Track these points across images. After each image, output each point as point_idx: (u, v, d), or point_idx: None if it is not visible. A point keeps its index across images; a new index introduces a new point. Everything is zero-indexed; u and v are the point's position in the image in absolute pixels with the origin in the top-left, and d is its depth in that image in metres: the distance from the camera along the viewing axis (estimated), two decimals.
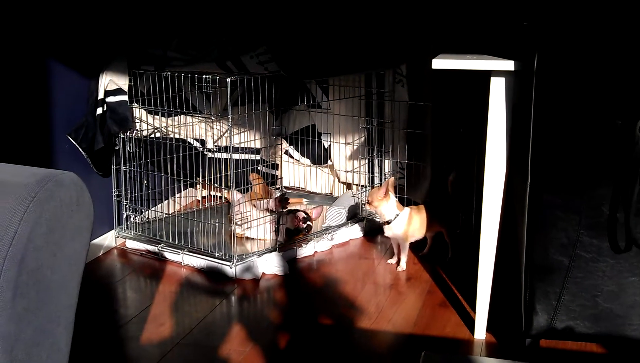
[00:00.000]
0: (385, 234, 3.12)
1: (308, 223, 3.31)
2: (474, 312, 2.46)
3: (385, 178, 3.69)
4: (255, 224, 3.22)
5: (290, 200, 3.63)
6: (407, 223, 3.06)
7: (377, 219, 3.37)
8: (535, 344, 2.33)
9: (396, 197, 3.12)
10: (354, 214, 3.56)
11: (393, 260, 3.15)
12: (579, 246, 2.10)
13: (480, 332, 2.45)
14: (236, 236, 3.14)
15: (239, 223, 3.24)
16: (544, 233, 2.12)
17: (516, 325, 2.39)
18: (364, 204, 3.13)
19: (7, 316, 1.11)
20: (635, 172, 1.98)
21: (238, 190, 3.27)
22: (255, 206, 3.25)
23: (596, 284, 2.12)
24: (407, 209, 3.10)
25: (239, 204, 3.27)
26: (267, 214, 3.23)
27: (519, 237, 2.39)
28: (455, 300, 2.77)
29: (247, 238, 3.27)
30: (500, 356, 2.31)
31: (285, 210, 3.29)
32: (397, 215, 3.04)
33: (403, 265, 3.08)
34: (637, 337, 2.15)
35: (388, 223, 3.06)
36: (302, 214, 3.30)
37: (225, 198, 3.73)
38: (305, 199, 3.89)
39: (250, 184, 3.40)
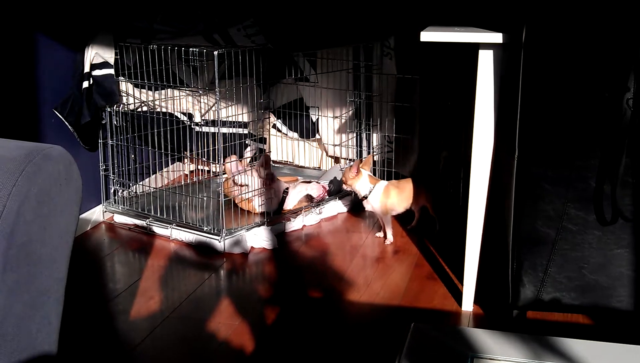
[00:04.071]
0: (366, 209, 3.15)
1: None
2: (462, 284, 2.48)
3: (372, 152, 3.69)
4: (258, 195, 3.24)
5: (285, 179, 3.62)
6: (383, 196, 3.08)
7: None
8: (522, 316, 2.35)
9: (372, 171, 3.17)
10: (341, 188, 3.57)
11: (380, 234, 3.16)
12: (566, 219, 2.12)
13: (468, 304, 2.47)
14: (241, 209, 3.19)
15: (239, 194, 3.24)
16: (531, 206, 2.13)
17: (503, 297, 2.41)
18: (343, 184, 3.16)
19: None
20: (622, 144, 1.99)
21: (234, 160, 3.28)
22: (260, 176, 3.26)
23: (583, 256, 2.14)
24: (383, 182, 3.13)
25: (239, 174, 3.25)
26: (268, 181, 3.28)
27: (507, 210, 2.40)
28: (443, 273, 2.79)
29: (255, 212, 3.26)
30: (487, 327, 2.33)
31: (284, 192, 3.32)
32: (371, 189, 3.07)
33: (390, 237, 3.09)
34: (623, 308, 2.17)
35: (365, 198, 3.08)
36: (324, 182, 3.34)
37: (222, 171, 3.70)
38: (299, 176, 3.86)
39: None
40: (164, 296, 2.60)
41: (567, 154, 2.07)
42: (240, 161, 3.32)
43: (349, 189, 3.17)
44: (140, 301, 2.56)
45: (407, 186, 3.13)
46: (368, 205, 3.11)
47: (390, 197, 3.08)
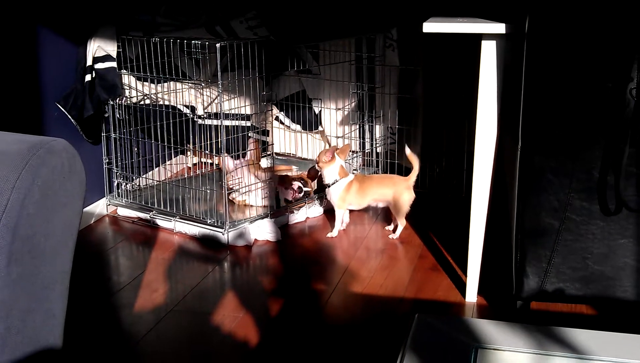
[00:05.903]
0: (326, 196, 3.17)
1: (305, 189, 3.31)
2: (465, 275, 2.48)
3: (376, 144, 3.69)
4: (254, 191, 3.23)
5: (279, 167, 3.64)
6: (344, 191, 3.08)
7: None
8: (526, 306, 2.35)
9: (345, 162, 3.15)
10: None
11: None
12: (570, 209, 2.12)
13: (472, 295, 2.47)
14: (236, 204, 3.22)
15: (237, 189, 3.24)
16: (535, 197, 2.13)
17: (507, 288, 2.41)
18: (316, 164, 3.17)
19: (2, 283, 1.11)
20: (625, 134, 1.99)
21: (231, 156, 3.27)
22: (256, 177, 3.29)
23: (586, 246, 2.14)
24: (349, 177, 3.11)
25: (236, 169, 3.27)
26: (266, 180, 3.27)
27: (510, 200, 2.40)
28: (447, 264, 2.79)
29: (246, 205, 3.26)
30: (491, 318, 2.33)
31: (279, 181, 3.32)
32: (336, 181, 3.08)
33: (335, 232, 3.10)
34: (627, 298, 2.17)
35: (328, 186, 3.10)
36: (297, 184, 3.29)
37: (216, 164, 3.72)
38: (294, 166, 3.87)
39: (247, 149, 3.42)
40: (168, 289, 2.61)
41: (570, 145, 2.06)
42: (239, 157, 3.34)
43: (319, 170, 3.16)
44: (145, 294, 2.56)
45: (369, 183, 3.13)
46: (328, 194, 3.13)
47: (350, 192, 3.09)
